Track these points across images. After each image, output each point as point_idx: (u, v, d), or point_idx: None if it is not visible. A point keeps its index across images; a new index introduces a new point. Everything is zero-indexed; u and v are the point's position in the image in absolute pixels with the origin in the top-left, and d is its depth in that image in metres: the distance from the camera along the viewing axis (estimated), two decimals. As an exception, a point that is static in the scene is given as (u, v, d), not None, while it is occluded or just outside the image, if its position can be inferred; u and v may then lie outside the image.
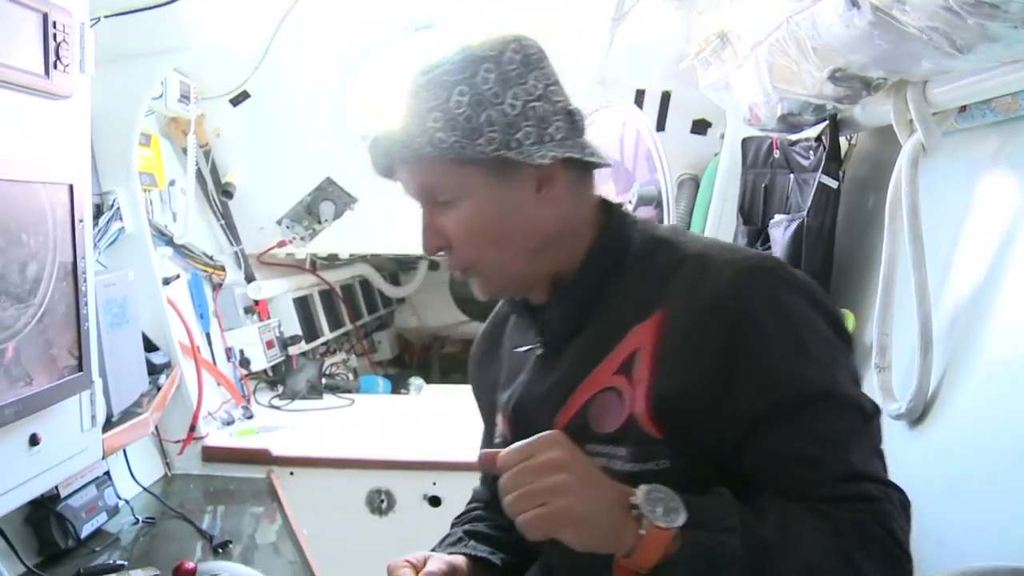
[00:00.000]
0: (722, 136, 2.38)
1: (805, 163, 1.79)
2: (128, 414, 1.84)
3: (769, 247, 1.85)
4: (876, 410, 0.89)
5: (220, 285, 2.81)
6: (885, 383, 1.38)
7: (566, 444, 0.81)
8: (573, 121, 0.96)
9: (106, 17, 1.75)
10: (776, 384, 0.85)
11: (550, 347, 1.01)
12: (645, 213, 2.28)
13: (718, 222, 2.29)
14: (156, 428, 2.15)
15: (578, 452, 0.81)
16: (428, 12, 2.75)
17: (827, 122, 1.67)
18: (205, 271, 2.71)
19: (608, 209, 1.02)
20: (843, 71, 1.30)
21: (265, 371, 2.97)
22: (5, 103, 1.24)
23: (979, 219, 1.27)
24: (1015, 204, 1.18)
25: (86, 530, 1.71)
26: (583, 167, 0.98)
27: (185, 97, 2.45)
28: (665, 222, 2.18)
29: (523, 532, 0.78)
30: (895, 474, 0.88)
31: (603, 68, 2.64)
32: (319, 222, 3.07)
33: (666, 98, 2.73)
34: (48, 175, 1.33)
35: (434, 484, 2.29)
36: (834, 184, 1.67)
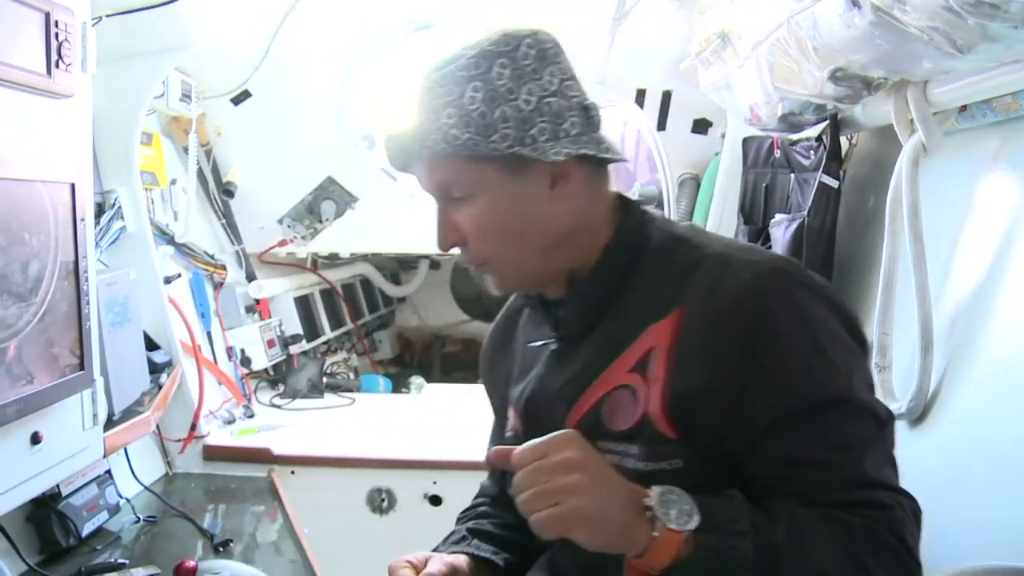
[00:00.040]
0: (723, 136, 2.38)
1: (806, 163, 1.80)
2: (129, 413, 1.84)
3: (770, 247, 1.85)
4: (890, 417, 0.89)
5: (221, 284, 2.81)
6: (885, 383, 1.38)
7: (581, 443, 0.80)
8: (589, 116, 0.95)
9: (108, 16, 1.75)
10: (793, 386, 0.84)
11: (565, 343, 1.01)
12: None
13: (719, 222, 2.29)
14: (157, 427, 2.15)
15: (593, 452, 0.81)
16: (428, 12, 2.75)
17: (828, 122, 1.67)
18: (206, 270, 2.71)
19: (625, 205, 1.02)
20: (844, 71, 1.30)
21: (266, 370, 2.97)
22: (7, 102, 1.24)
23: (979, 219, 1.27)
24: (1015, 204, 1.18)
25: (87, 528, 1.71)
26: (598, 163, 0.97)
27: (186, 96, 2.45)
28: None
29: (536, 531, 0.77)
30: (895, 473, 0.88)
31: (604, 68, 2.64)
32: (320, 221, 3.07)
33: (667, 98, 2.73)
34: (50, 174, 1.33)
35: (435, 483, 2.29)
36: (835, 184, 1.67)
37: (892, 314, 1.39)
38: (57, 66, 1.32)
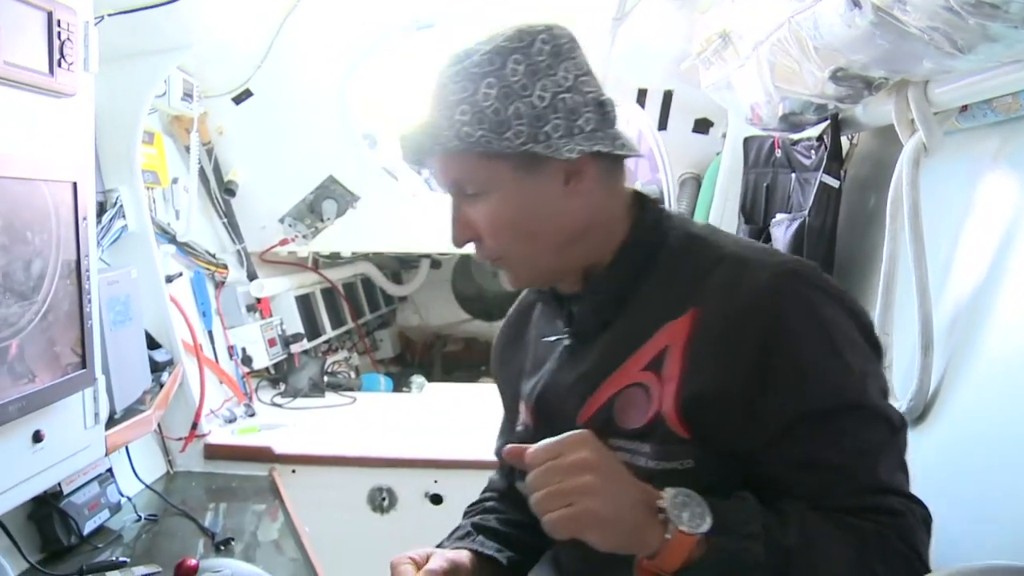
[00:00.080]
0: (724, 135, 2.38)
1: (807, 162, 1.80)
2: (131, 411, 1.85)
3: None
4: (903, 423, 0.89)
5: (222, 283, 2.82)
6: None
7: (595, 444, 0.80)
8: (604, 112, 0.94)
9: (110, 15, 1.75)
10: (808, 389, 0.84)
11: (578, 339, 1.00)
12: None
13: (720, 221, 2.28)
14: (158, 425, 2.15)
15: (606, 452, 0.81)
16: (430, 11, 2.75)
17: (828, 122, 1.67)
18: (208, 269, 2.71)
19: (641, 202, 1.01)
20: (844, 71, 1.30)
21: (267, 369, 2.98)
22: (10, 101, 1.24)
23: (980, 219, 1.27)
24: (1016, 204, 1.18)
25: (89, 527, 1.71)
26: (613, 159, 0.96)
27: (188, 95, 2.45)
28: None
29: (548, 531, 0.77)
30: (896, 473, 0.88)
31: (605, 67, 2.64)
32: (321, 220, 3.07)
33: (668, 97, 2.73)
34: (52, 173, 1.33)
35: (435, 482, 2.29)
36: (835, 183, 1.67)
37: (892, 313, 1.39)
38: (59, 65, 1.32)
